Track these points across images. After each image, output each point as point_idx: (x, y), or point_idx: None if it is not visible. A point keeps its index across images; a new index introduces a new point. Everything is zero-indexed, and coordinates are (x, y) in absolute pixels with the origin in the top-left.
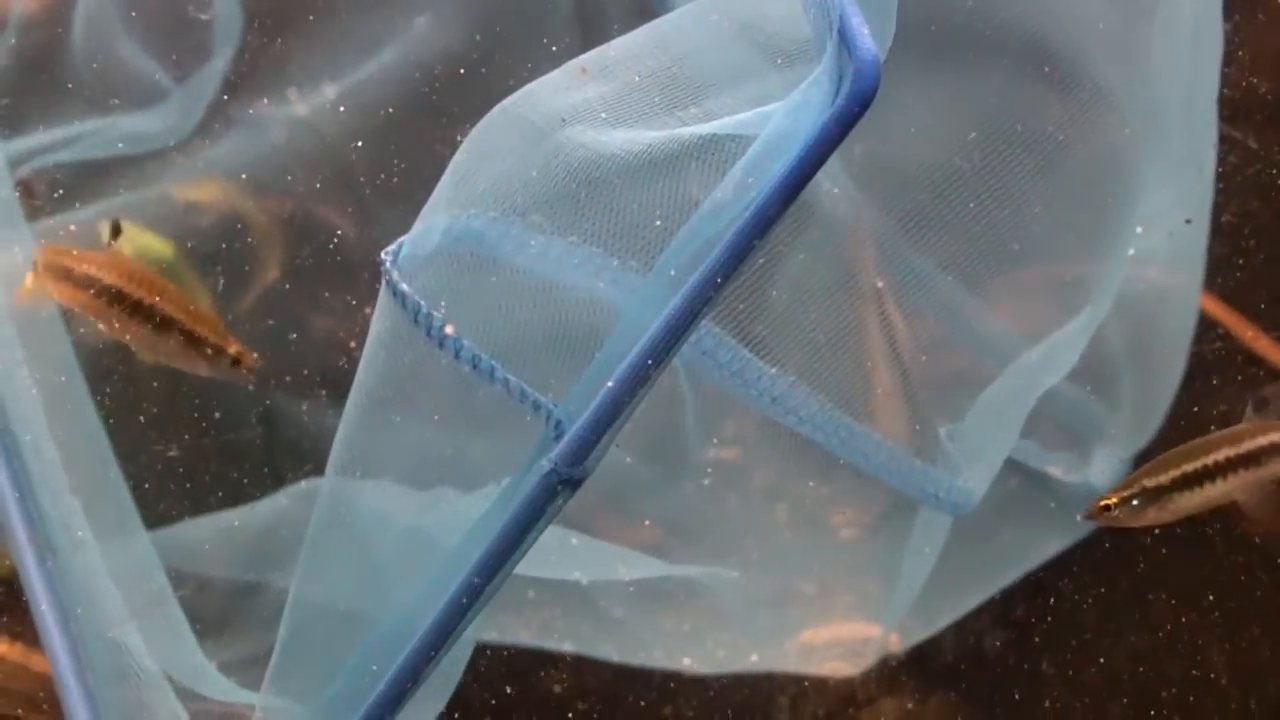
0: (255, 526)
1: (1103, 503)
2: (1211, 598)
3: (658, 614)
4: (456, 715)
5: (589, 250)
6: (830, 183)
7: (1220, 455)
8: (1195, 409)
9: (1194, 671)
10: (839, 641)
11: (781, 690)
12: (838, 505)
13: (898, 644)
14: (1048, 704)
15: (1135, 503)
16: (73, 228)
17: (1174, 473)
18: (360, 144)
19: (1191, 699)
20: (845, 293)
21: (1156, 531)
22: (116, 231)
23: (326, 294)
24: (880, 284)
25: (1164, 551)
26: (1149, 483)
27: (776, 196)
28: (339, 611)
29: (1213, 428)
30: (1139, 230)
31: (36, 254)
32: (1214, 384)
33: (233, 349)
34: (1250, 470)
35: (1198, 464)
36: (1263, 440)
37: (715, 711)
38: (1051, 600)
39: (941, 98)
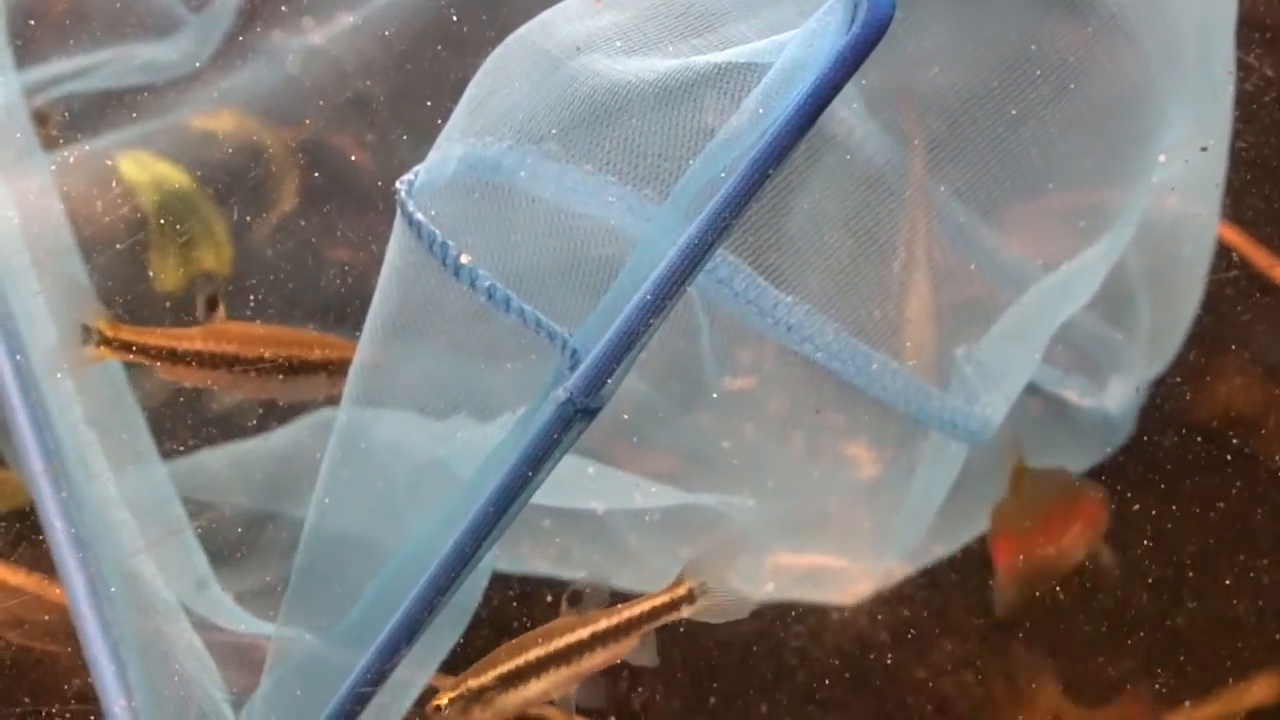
0: (271, 457)
1: (435, 703)
2: (1228, 524)
3: (674, 543)
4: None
5: (604, 179)
6: (846, 110)
7: (533, 654)
8: (1211, 336)
9: (1211, 600)
10: (846, 569)
11: (798, 619)
12: (854, 434)
13: (905, 571)
14: (1064, 630)
15: (462, 704)
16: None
17: (494, 673)
18: (376, 73)
19: (1208, 627)
20: (861, 221)
21: (1177, 459)
22: (214, 305)
23: (342, 223)
24: (898, 212)
25: (1181, 478)
26: (473, 683)
27: (792, 125)
28: (355, 541)
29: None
30: (1161, 159)
31: (109, 328)
32: (1231, 311)
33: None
34: (564, 668)
35: (513, 664)
36: (571, 638)
37: (732, 643)
38: None
39: (956, 24)
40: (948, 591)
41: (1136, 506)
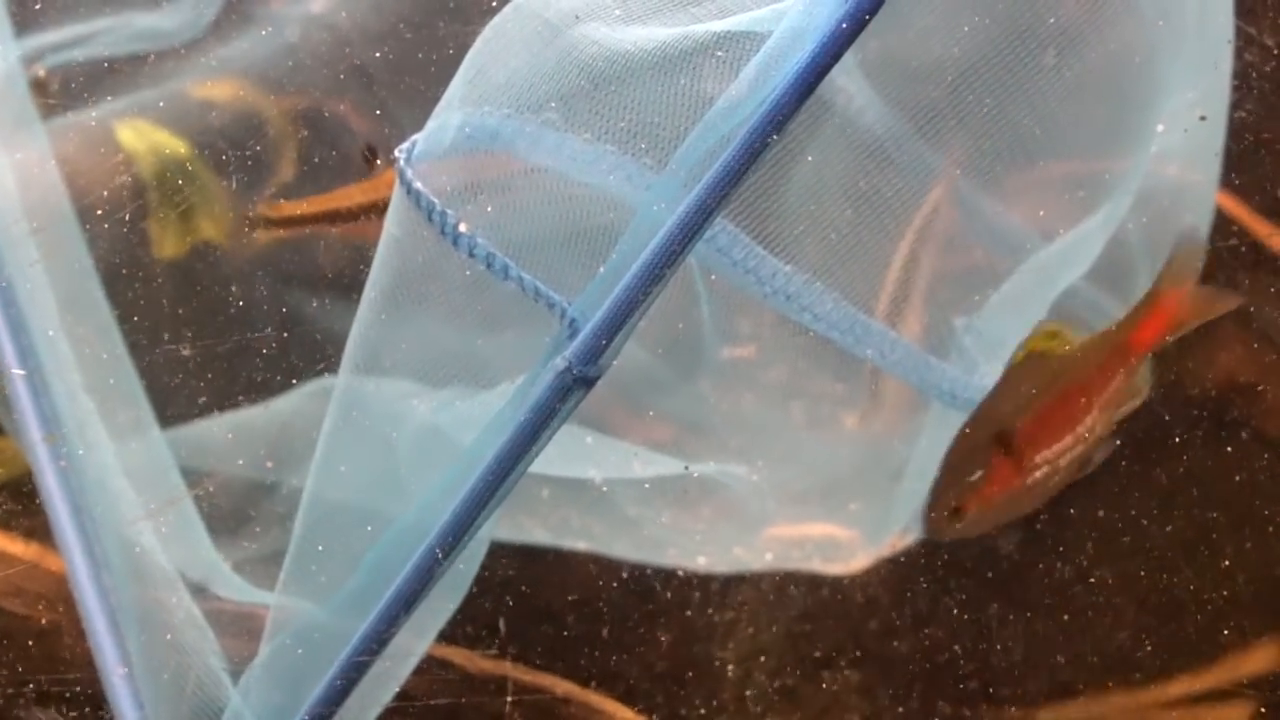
0: (270, 425)
1: None
2: (1230, 496)
3: (672, 512)
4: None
5: (603, 147)
6: (845, 79)
7: None
8: None
9: (1212, 571)
10: (846, 539)
11: (795, 585)
12: (853, 403)
13: (903, 543)
14: (1066, 607)
15: None
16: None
17: None
18: (375, 41)
19: (1209, 600)
20: (860, 190)
21: (1177, 429)
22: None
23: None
24: (896, 182)
25: (1183, 450)
26: None
27: (791, 93)
28: (354, 510)
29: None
30: (1160, 128)
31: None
32: (1230, 281)
33: None
34: None
35: None
36: None
37: (728, 607)
38: (1067, 501)
39: None
40: (947, 554)
41: (1135, 475)
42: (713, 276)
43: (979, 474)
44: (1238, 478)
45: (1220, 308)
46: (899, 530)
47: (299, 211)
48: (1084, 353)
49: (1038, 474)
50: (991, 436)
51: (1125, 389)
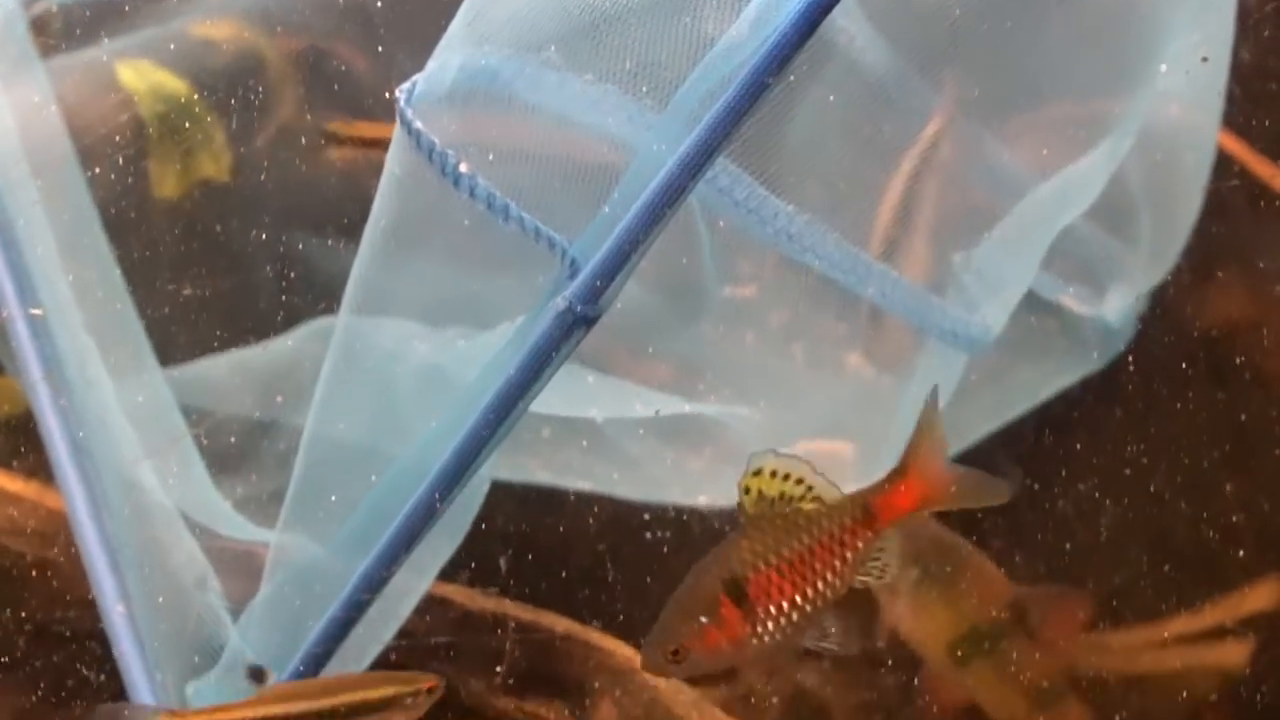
0: (271, 364)
1: None
2: (1227, 433)
3: (673, 452)
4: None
5: (604, 87)
6: (846, 19)
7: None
8: (1212, 246)
9: (1212, 510)
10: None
11: None
12: (854, 344)
13: None
14: (1067, 545)
15: None
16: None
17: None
18: None
19: (1210, 537)
20: (862, 131)
21: (1178, 369)
22: (261, 677)
23: (340, 133)
24: (898, 122)
25: (1183, 390)
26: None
27: (792, 34)
28: (354, 449)
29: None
30: (1162, 69)
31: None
32: (1231, 222)
33: (419, 685)
34: None
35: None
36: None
37: None
38: (1066, 438)
39: None
40: None
41: (1136, 415)
42: (715, 219)
43: (706, 619)
44: (1238, 417)
45: (987, 496)
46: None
47: (371, 134)
48: (830, 512)
49: (766, 627)
50: (723, 583)
51: (861, 561)
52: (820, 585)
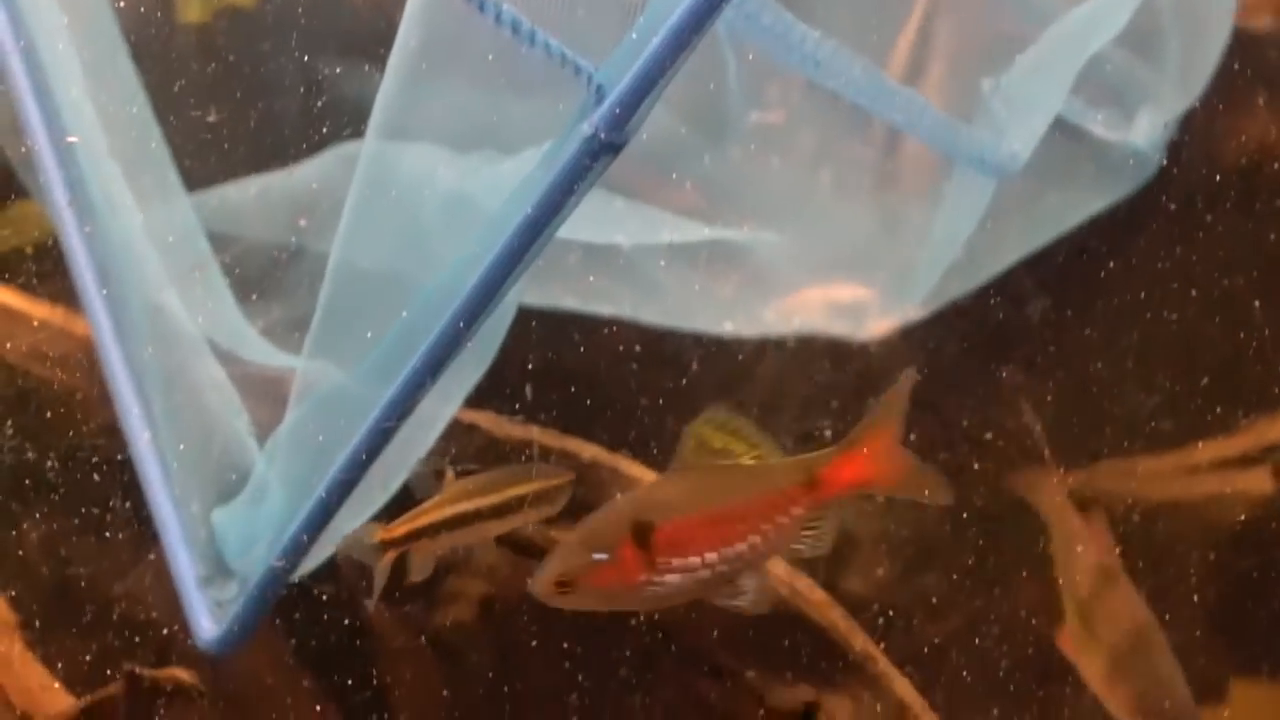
0: (297, 190)
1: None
2: (1255, 259)
3: (700, 278)
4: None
5: None
6: None
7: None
8: (1242, 72)
9: (1238, 335)
10: (870, 303)
11: (820, 350)
12: (882, 170)
13: (926, 310)
14: (1091, 370)
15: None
16: None
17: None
18: None
19: (1235, 362)
20: None
21: (1205, 195)
22: (441, 477)
23: None
24: None
25: (1213, 215)
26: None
27: None
28: (381, 275)
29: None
30: None
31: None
32: (1262, 47)
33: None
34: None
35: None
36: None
37: (754, 372)
38: (1094, 265)
39: None
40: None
41: (1165, 240)
42: (742, 44)
43: (604, 555)
44: (1267, 241)
45: (932, 491)
46: (922, 296)
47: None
48: (765, 474)
49: (665, 579)
50: (631, 524)
51: (794, 530)
52: (742, 546)
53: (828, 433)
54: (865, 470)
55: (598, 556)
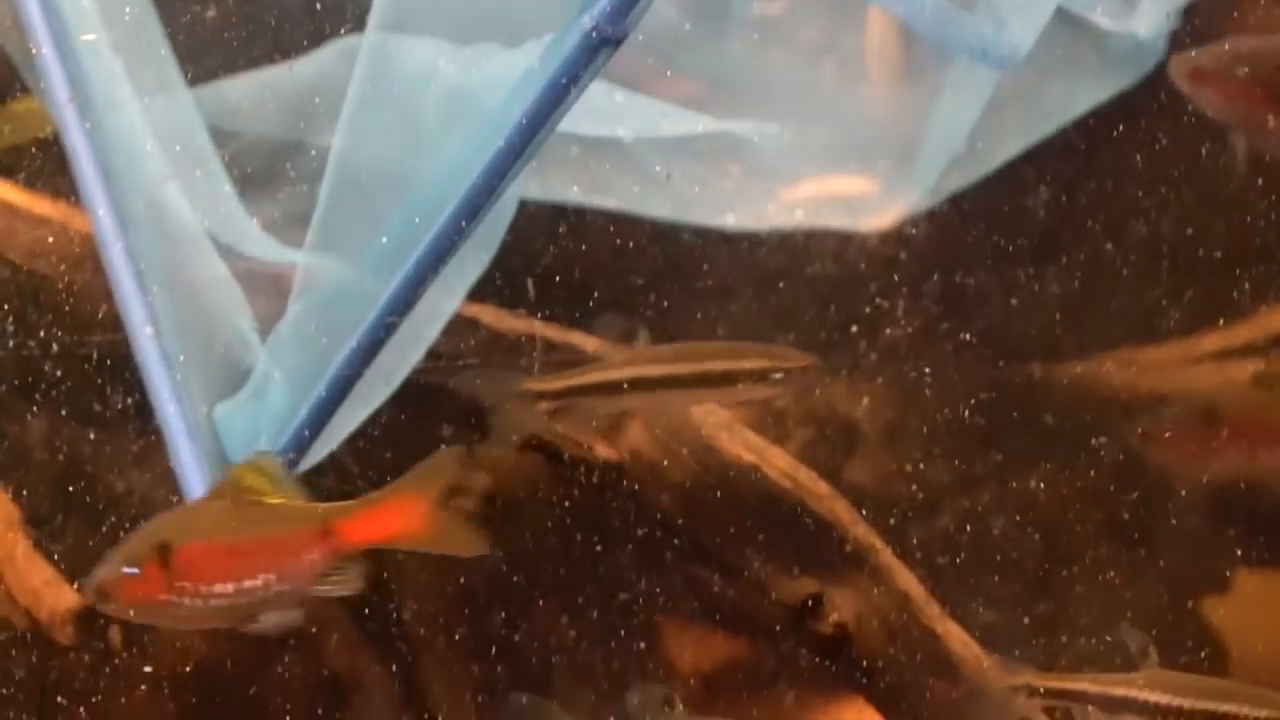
0: (297, 84)
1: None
2: (1264, 154)
3: (702, 170)
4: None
5: None
6: None
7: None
8: None
9: (1244, 230)
10: (872, 195)
11: (823, 244)
12: (885, 62)
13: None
14: (1096, 263)
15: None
16: None
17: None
18: None
19: (1241, 255)
20: None
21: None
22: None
23: None
24: None
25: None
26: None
27: None
28: (383, 168)
29: None
30: None
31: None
32: None
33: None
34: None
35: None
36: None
37: (757, 265)
38: (1099, 157)
39: None
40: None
41: (1168, 134)
42: None
43: (132, 571)
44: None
45: (465, 546)
46: (925, 187)
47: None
48: (283, 516)
49: (184, 601)
50: (155, 544)
51: (313, 572)
52: (257, 581)
53: (847, 312)
54: (389, 527)
55: (128, 571)
